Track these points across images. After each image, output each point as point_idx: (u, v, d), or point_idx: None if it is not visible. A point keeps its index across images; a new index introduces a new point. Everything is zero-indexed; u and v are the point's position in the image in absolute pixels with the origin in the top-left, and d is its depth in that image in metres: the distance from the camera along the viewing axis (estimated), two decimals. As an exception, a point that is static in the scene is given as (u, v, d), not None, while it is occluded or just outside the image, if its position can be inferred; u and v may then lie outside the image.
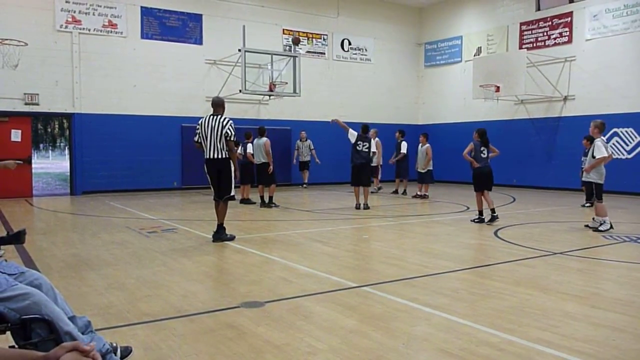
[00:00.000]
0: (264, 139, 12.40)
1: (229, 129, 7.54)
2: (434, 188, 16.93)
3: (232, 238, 7.74)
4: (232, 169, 7.71)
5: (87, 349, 1.57)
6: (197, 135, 7.73)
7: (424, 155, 14.41)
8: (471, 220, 9.75)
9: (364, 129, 11.94)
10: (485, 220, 9.58)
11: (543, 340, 3.64)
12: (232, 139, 7.57)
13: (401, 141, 15.39)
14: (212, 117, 7.66)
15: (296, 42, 15.10)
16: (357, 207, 11.70)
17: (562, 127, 16.89)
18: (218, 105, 7.78)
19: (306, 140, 17.64)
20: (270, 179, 12.32)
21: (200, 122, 7.73)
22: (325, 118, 19.23)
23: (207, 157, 7.63)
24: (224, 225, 7.80)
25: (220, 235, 7.68)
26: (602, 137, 8.89)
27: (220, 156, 7.57)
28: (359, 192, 11.88)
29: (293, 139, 18.48)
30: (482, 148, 9.78)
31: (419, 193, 14.47)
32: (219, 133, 7.51)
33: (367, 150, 11.71)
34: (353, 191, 12.07)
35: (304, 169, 17.81)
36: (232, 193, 7.80)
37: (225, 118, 7.66)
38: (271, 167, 12.26)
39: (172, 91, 16.54)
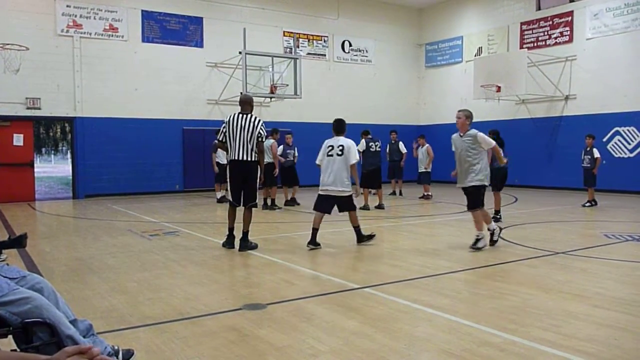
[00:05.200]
0: (272, 140, 12.35)
1: (261, 129, 7.01)
2: (438, 189, 16.91)
3: (255, 246, 7.23)
4: (259, 172, 7.20)
5: (88, 350, 1.57)
6: (223, 135, 7.08)
7: (426, 156, 14.51)
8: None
9: (366, 133, 12.59)
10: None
11: (545, 340, 3.64)
12: (263, 140, 7.05)
13: (398, 141, 15.27)
14: (240, 115, 7.06)
15: None
16: (367, 208, 11.86)
17: (564, 126, 16.87)
18: (246, 103, 7.20)
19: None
20: (272, 181, 12.29)
21: (227, 120, 7.11)
22: (326, 120, 19.22)
23: (234, 158, 7.01)
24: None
25: (246, 243, 7.13)
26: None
27: (249, 158, 7.00)
28: (368, 195, 12.36)
29: (294, 141, 18.35)
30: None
31: (425, 194, 14.52)
32: (250, 133, 6.95)
33: (379, 149, 12.29)
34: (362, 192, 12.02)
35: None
36: (256, 200, 7.26)
37: (256, 117, 7.09)
38: (277, 169, 12.22)
39: (173, 94, 16.57)
